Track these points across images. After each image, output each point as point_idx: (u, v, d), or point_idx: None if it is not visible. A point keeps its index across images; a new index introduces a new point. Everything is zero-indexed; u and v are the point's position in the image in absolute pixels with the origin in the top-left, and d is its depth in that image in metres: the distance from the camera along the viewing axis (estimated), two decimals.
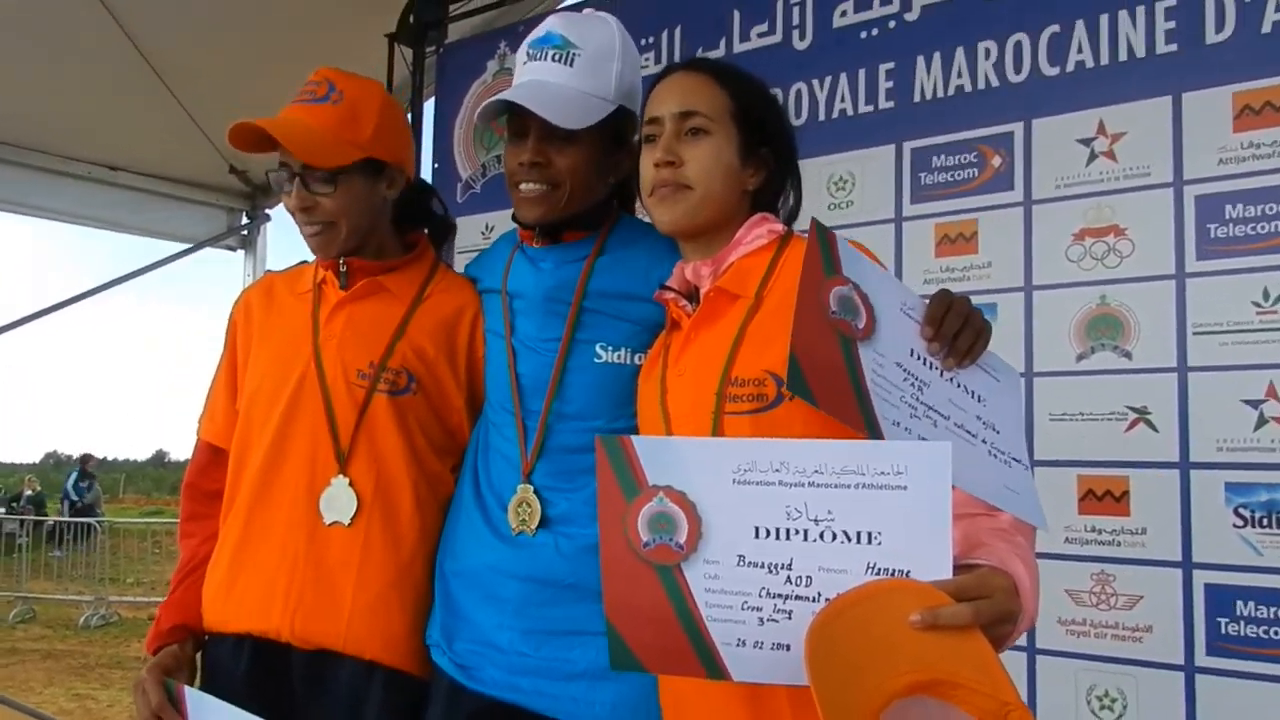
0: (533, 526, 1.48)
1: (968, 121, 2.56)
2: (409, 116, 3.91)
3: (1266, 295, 2.15)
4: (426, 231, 1.80)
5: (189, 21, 3.61)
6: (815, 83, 2.82)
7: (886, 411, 1.10)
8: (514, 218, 1.62)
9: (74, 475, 18.05)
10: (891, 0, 2.70)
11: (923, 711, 0.98)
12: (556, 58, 1.50)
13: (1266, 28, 2.20)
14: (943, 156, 2.60)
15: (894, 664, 0.97)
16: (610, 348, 1.52)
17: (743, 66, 1.49)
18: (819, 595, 1.03)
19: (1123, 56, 2.37)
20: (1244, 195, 2.19)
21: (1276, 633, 2.07)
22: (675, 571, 1.06)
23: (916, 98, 2.65)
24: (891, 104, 2.69)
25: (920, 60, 2.64)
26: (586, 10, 1.63)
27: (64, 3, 3.39)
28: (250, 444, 1.65)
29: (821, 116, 2.80)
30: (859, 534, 1.03)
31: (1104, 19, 2.39)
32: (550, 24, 1.55)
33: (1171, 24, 2.31)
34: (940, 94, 2.61)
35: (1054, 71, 2.45)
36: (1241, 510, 2.13)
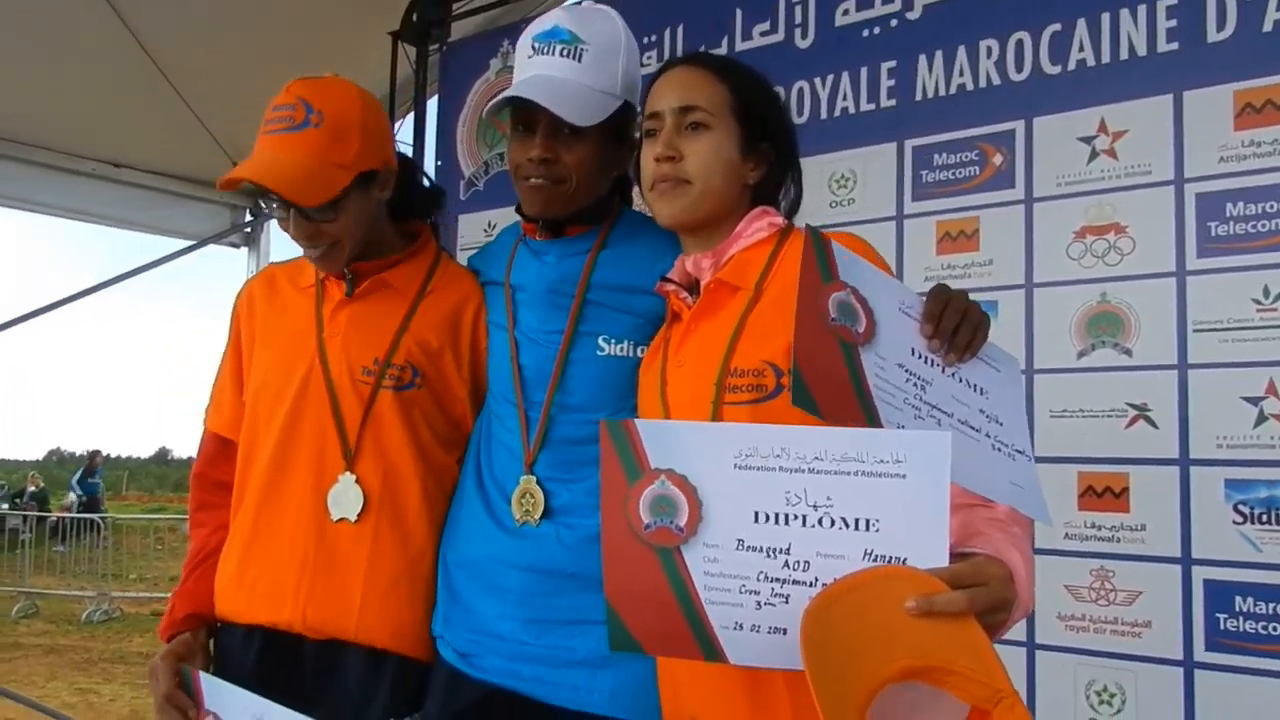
0: (536, 517, 1.48)
1: (969, 120, 2.57)
2: (412, 115, 3.93)
3: (1266, 293, 2.16)
4: (425, 218, 1.79)
5: (192, 19, 3.62)
6: (817, 81, 2.83)
7: (891, 415, 1.11)
8: (518, 210, 1.63)
9: (79, 472, 18.20)
10: None
11: (915, 697, 0.99)
12: (564, 52, 1.50)
13: (1268, 26, 2.20)
14: (944, 154, 2.60)
15: (889, 650, 0.98)
16: (613, 340, 1.53)
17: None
18: (816, 580, 1.04)
19: (1124, 55, 2.37)
20: (1244, 193, 2.20)
21: (1275, 628, 2.08)
22: (675, 554, 1.07)
23: (918, 96, 2.65)
24: (893, 102, 2.70)
25: (922, 58, 2.65)
26: (587, 3, 1.63)
27: (68, 1, 3.40)
28: (257, 440, 1.66)
29: (823, 115, 2.81)
30: (857, 521, 1.04)
31: (1105, 17, 2.40)
32: (556, 18, 1.54)
33: (1173, 22, 2.31)
34: (942, 92, 2.62)
35: (1055, 70, 2.46)
36: (1241, 507, 2.14)
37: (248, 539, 1.63)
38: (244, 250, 4.75)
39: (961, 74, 2.59)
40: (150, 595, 12.06)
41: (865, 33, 2.76)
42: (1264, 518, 2.12)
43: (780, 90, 1.66)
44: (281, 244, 4.62)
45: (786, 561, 1.05)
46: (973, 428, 1.18)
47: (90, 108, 3.95)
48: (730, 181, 1.40)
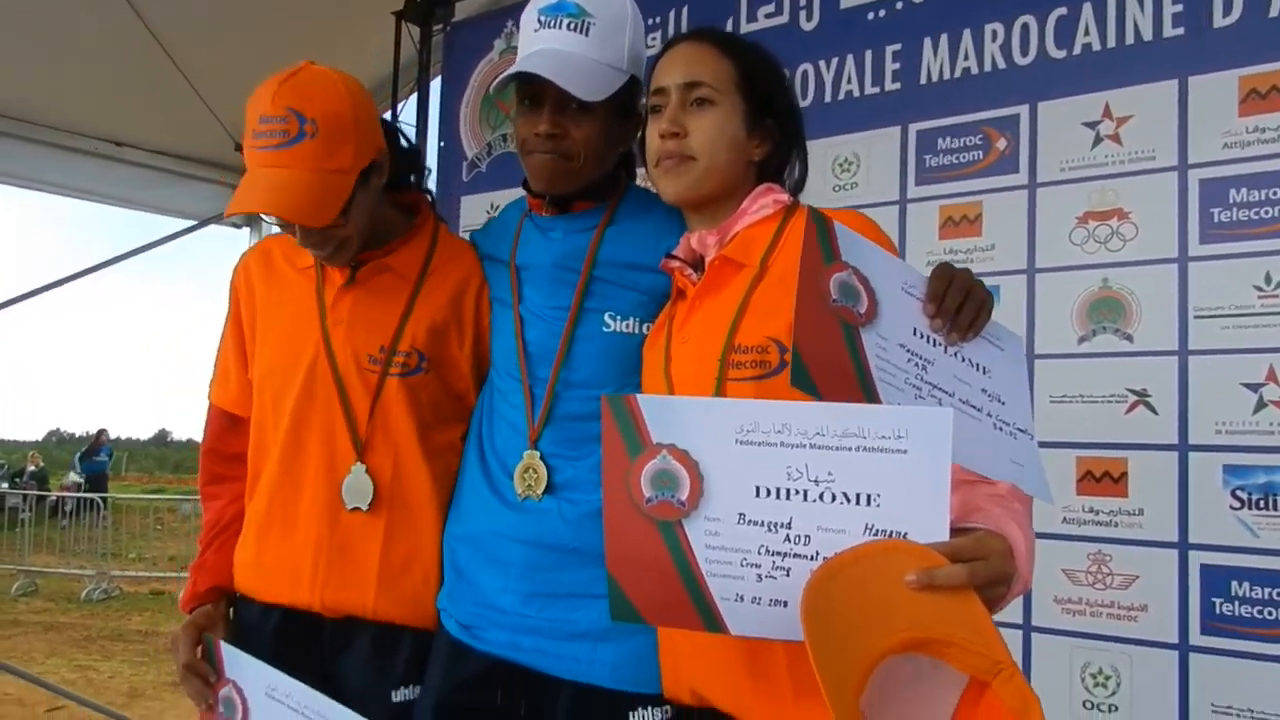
0: (539, 492, 1.49)
1: (973, 104, 2.56)
2: (415, 96, 3.92)
3: (1268, 279, 2.16)
4: (415, 184, 1.75)
5: None
6: (822, 64, 2.82)
7: (892, 396, 1.11)
8: (524, 185, 1.62)
9: (82, 451, 18.30)
10: None
11: (914, 668, 1.00)
12: (572, 26, 1.48)
13: (1274, 12, 2.20)
14: (948, 139, 2.60)
15: (889, 623, 0.99)
16: (619, 317, 1.52)
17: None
18: (817, 554, 1.05)
19: (1129, 40, 2.37)
20: (1248, 180, 2.20)
21: (1270, 613, 2.09)
22: (676, 527, 1.08)
23: (923, 79, 2.65)
24: (898, 85, 2.69)
25: (927, 42, 2.65)
26: None
27: None
28: (267, 429, 1.66)
29: (828, 98, 2.81)
30: (858, 495, 1.05)
31: (1111, 2, 2.40)
32: None
33: (1179, 7, 2.31)
34: (946, 76, 2.62)
35: (1060, 54, 2.46)
36: (1239, 492, 2.15)
37: (263, 526, 1.65)
38: (245, 230, 4.75)
39: (966, 58, 2.59)
40: (149, 574, 12.10)
41: (870, 15, 2.75)
42: (1261, 503, 2.13)
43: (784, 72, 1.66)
44: None
45: (788, 535, 1.06)
46: (974, 407, 1.19)
47: (92, 86, 3.94)
48: (735, 158, 1.40)
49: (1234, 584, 2.13)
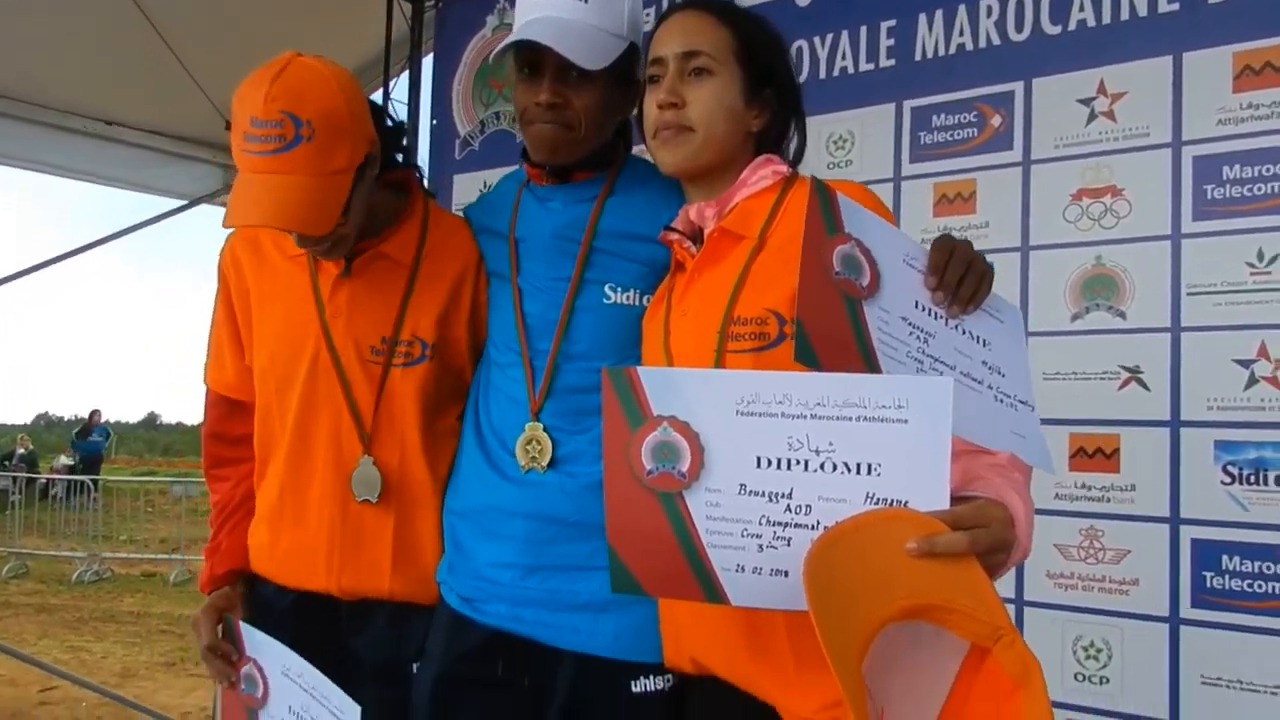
0: (544, 464, 1.48)
1: (968, 81, 2.56)
2: (407, 74, 3.90)
3: (1261, 256, 2.17)
4: (402, 160, 1.72)
5: None
6: (816, 40, 2.81)
7: (893, 369, 1.11)
8: (523, 155, 1.61)
9: (76, 431, 18.27)
10: None
11: (915, 636, 1.01)
12: None
13: None
14: (942, 116, 2.60)
15: (890, 590, 1.00)
16: (619, 289, 1.52)
17: None
18: (818, 524, 1.05)
19: (1124, 16, 2.37)
20: (1242, 156, 2.20)
21: (1260, 586, 2.11)
22: (677, 499, 1.09)
23: (917, 56, 2.64)
24: (892, 62, 2.68)
25: (922, 18, 2.64)
26: None
27: None
28: (272, 421, 1.66)
29: (822, 74, 2.80)
30: (859, 465, 1.05)
31: None
32: None
33: None
34: (941, 52, 2.61)
35: (1055, 30, 2.45)
36: (1230, 467, 2.17)
37: (274, 516, 1.66)
38: None
39: (961, 34, 2.58)
40: (140, 556, 12.08)
41: None
42: (1252, 478, 2.15)
43: None
44: None
45: (789, 505, 1.06)
46: (975, 380, 1.19)
47: (81, 64, 3.89)
48: (733, 129, 1.39)
49: (1224, 558, 2.15)
